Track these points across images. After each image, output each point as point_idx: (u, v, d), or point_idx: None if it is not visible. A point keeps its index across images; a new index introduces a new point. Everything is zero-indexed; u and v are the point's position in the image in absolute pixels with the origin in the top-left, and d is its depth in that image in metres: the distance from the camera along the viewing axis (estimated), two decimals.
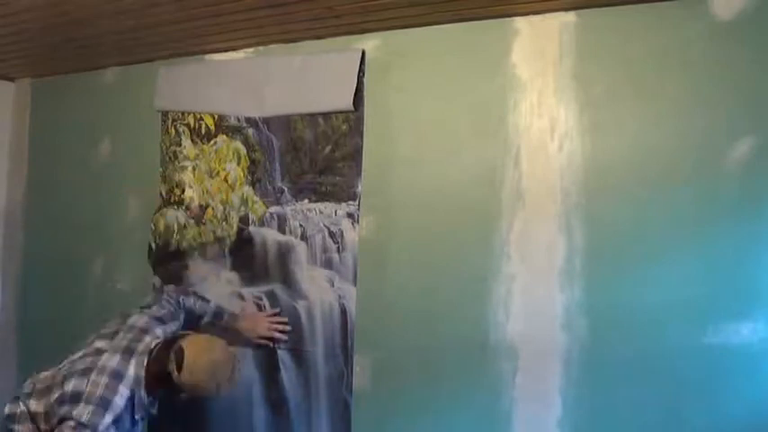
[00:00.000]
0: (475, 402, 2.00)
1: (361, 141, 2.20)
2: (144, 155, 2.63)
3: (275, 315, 2.28)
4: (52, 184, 2.94)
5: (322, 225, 2.25)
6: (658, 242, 1.82)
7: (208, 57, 2.50)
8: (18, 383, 2.95)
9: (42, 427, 1.84)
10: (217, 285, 2.40)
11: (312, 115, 2.26)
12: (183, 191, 2.52)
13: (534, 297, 1.94)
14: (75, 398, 1.73)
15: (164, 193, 2.56)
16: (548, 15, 1.96)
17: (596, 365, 1.86)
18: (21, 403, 1.90)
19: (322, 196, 2.25)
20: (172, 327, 1.97)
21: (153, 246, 2.57)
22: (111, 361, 1.80)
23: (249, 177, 2.39)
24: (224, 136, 2.45)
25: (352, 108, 2.16)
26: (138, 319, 1.92)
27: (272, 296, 2.31)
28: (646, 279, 1.82)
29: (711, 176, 1.77)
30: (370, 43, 2.21)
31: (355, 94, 2.17)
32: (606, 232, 1.87)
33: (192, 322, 2.10)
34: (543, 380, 1.91)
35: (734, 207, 1.75)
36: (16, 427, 1.86)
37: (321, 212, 2.25)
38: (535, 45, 1.98)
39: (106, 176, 2.77)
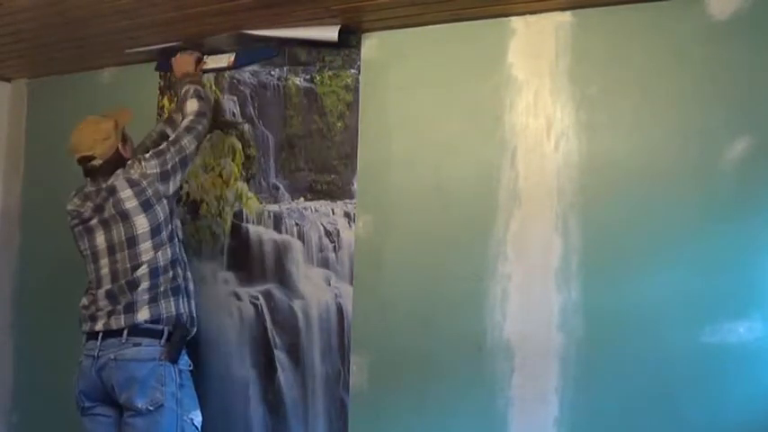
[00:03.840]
0: (471, 402, 2.00)
1: (357, 140, 2.20)
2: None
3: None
4: (49, 185, 2.93)
5: (318, 224, 2.25)
6: (655, 241, 1.82)
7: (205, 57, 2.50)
8: (14, 383, 2.95)
9: None
10: (213, 285, 2.40)
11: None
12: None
13: (531, 297, 1.94)
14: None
15: None
16: (544, 15, 1.97)
17: (593, 365, 1.86)
18: None
19: (318, 194, 2.25)
20: None
21: None
22: None
23: (244, 173, 2.39)
24: (219, 131, 2.45)
25: (336, 39, 2.14)
26: None
27: (268, 295, 2.30)
28: (642, 278, 1.82)
29: (708, 176, 1.78)
30: (367, 43, 2.21)
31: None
32: (602, 232, 1.88)
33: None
34: (540, 379, 1.91)
35: (730, 206, 1.75)
36: None
37: (317, 211, 2.25)
38: (531, 45, 1.98)
39: None
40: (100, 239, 2.01)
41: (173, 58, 2.37)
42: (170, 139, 2.10)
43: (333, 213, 2.23)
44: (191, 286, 2.09)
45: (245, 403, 2.31)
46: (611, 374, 1.84)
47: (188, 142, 2.08)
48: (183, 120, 2.16)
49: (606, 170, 1.89)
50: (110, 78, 2.78)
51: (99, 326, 1.96)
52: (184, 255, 2.11)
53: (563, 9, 1.94)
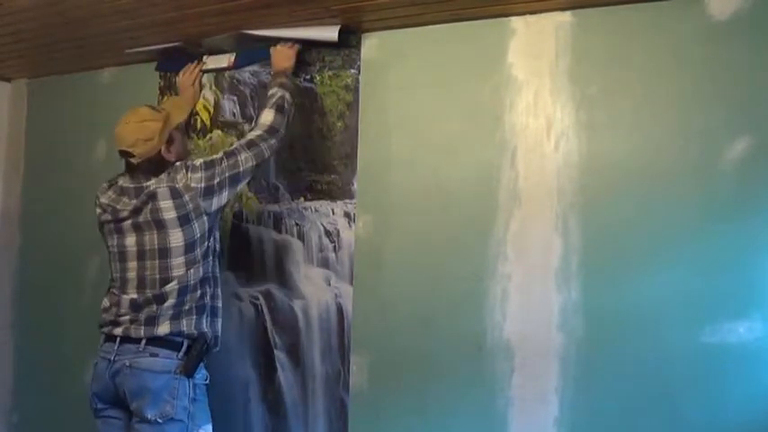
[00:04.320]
0: (471, 402, 2.00)
1: (357, 140, 2.20)
2: None
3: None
4: (49, 185, 2.94)
5: (318, 224, 2.25)
6: (655, 241, 1.82)
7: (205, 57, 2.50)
8: (14, 383, 2.95)
9: None
10: None
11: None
12: None
13: (531, 297, 1.94)
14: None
15: None
16: (544, 15, 1.97)
17: (593, 365, 1.86)
18: None
19: (318, 194, 2.25)
20: None
21: None
22: None
23: None
24: (219, 131, 2.45)
25: (336, 39, 2.13)
26: None
27: (268, 295, 2.30)
28: (642, 278, 1.82)
29: (708, 176, 1.77)
30: (367, 43, 2.21)
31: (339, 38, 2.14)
32: (603, 232, 1.88)
33: None
34: (540, 379, 1.91)
35: (730, 206, 1.75)
36: None
37: (317, 211, 2.25)
38: (531, 45, 1.98)
39: (103, 176, 2.73)
40: (130, 241, 1.93)
41: (272, 48, 2.22)
42: (228, 149, 1.96)
43: (333, 213, 2.23)
44: (218, 304, 2.01)
45: (245, 403, 2.31)
46: (611, 374, 1.84)
47: (245, 159, 1.94)
48: (251, 130, 2.03)
49: (606, 170, 1.88)
50: (110, 78, 2.78)
51: (119, 331, 1.91)
52: (218, 272, 2.02)
53: (563, 9, 1.94)
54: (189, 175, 1.89)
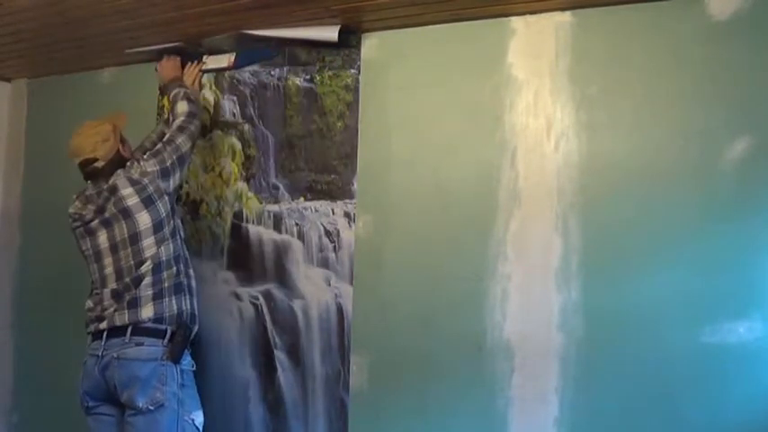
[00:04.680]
0: (471, 402, 2.00)
1: (357, 140, 2.20)
2: None
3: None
4: (49, 185, 2.93)
5: (318, 224, 2.25)
6: (655, 241, 1.82)
7: (205, 57, 2.50)
8: (14, 383, 2.95)
9: None
10: (213, 285, 2.40)
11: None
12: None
13: (531, 297, 1.94)
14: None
15: None
16: (544, 15, 1.97)
17: (593, 365, 1.86)
18: None
19: (318, 194, 2.25)
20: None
21: None
22: None
23: (244, 173, 2.39)
24: (219, 131, 2.45)
25: (336, 39, 2.14)
26: None
27: (268, 295, 2.30)
28: (642, 278, 1.82)
29: (708, 176, 1.78)
30: (367, 43, 2.21)
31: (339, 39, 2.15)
32: (602, 232, 1.88)
33: None
34: (540, 379, 1.91)
35: (730, 206, 1.75)
36: None
37: (317, 211, 2.25)
38: (531, 45, 1.98)
39: None
40: (102, 239, 2.02)
41: (158, 64, 2.41)
42: (164, 139, 2.14)
43: (333, 213, 2.23)
44: (193, 283, 2.10)
45: (245, 403, 2.31)
46: (611, 374, 1.84)
47: (182, 141, 2.11)
48: (174, 121, 2.19)
49: (606, 170, 1.88)
50: (110, 78, 2.77)
51: (104, 324, 1.98)
52: (186, 252, 2.13)
53: (563, 9, 1.94)
54: (142, 164, 2.03)
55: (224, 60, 2.43)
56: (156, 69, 2.56)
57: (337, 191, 2.22)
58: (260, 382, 2.30)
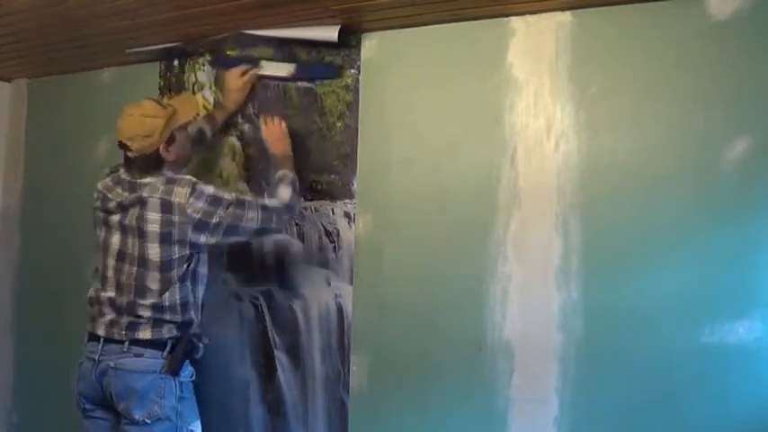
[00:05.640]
0: (471, 402, 2.00)
1: (357, 140, 2.20)
2: None
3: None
4: (49, 185, 2.94)
5: (318, 224, 2.25)
6: (655, 241, 1.82)
7: (202, 59, 2.50)
8: (14, 384, 2.95)
9: None
10: (213, 285, 2.40)
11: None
12: None
13: (531, 297, 1.94)
14: None
15: None
16: (544, 15, 1.97)
17: (593, 365, 1.86)
18: None
19: (318, 194, 2.25)
20: None
21: None
22: None
23: (244, 173, 2.39)
24: (219, 131, 2.44)
25: (336, 39, 2.12)
26: None
27: (268, 296, 2.30)
28: (642, 278, 1.82)
29: (708, 176, 1.77)
30: (367, 43, 2.21)
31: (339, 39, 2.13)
32: (603, 232, 1.88)
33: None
34: (540, 379, 1.91)
35: (730, 206, 1.75)
36: None
37: (317, 211, 2.25)
38: (531, 45, 1.98)
39: None
40: (115, 239, 1.92)
41: (263, 127, 2.20)
42: (241, 197, 1.92)
43: (333, 213, 2.23)
44: (199, 317, 2.00)
45: (245, 403, 2.31)
46: (611, 374, 1.84)
47: (251, 218, 1.89)
48: (271, 197, 1.99)
49: (606, 170, 1.88)
50: (110, 78, 2.78)
51: (101, 331, 1.91)
52: (199, 297, 1.98)
53: (563, 9, 1.94)
54: (190, 199, 1.83)
55: (283, 69, 2.30)
56: (210, 64, 2.46)
57: (337, 191, 2.22)
58: (260, 383, 2.30)
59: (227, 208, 1.86)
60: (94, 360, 1.90)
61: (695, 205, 1.78)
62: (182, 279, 1.88)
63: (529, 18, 1.99)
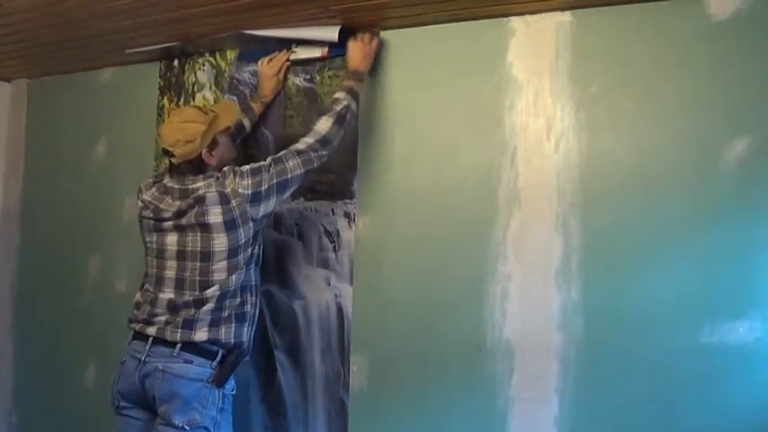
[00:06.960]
0: (471, 402, 2.00)
1: (357, 140, 2.20)
2: (141, 154, 2.63)
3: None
4: (49, 185, 2.94)
5: (318, 224, 2.25)
6: (655, 242, 1.82)
7: (202, 59, 2.50)
8: (14, 384, 2.95)
9: None
10: None
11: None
12: None
13: (531, 297, 1.94)
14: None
15: None
16: (544, 15, 1.97)
17: (593, 365, 1.86)
18: None
19: (318, 194, 2.25)
20: None
21: None
22: None
23: None
24: None
25: (336, 39, 2.11)
26: None
27: (268, 296, 2.30)
28: (642, 278, 1.82)
29: (708, 176, 1.77)
30: None
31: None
32: (603, 232, 1.88)
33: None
34: (540, 380, 1.91)
35: (730, 206, 1.75)
36: None
37: (317, 211, 2.25)
38: (531, 45, 1.98)
39: (103, 176, 2.77)
40: (171, 240, 1.92)
41: (350, 41, 2.11)
42: (276, 155, 1.93)
43: (333, 213, 2.23)
44: (256, 312, 2.00)
45: (245, 403, 2.31)
46: (611, 374, 1.84)
47: (294, 166, 1.91)
48: (305, 136, 1.97)
49: (606, 170, 1.88)
50: (110, 78, 2.78)
51: (152, 330, 1.89)
52: (258, 280, 2.01)
53: (563, 9, 1.94)
54: (236, 180, 1.87)
55: (317, 51, 2.26)
56: (239, 58, 2.44)
57: (337, 191, 2.22)
58: (260, 383, 2.30)
59: (269, 170, 1.90)
60: (140, 360, 1.88)
61: (695, 205, 1.78)
62: (246, 262, 1.92)
63: (529, 18, 1.99)
